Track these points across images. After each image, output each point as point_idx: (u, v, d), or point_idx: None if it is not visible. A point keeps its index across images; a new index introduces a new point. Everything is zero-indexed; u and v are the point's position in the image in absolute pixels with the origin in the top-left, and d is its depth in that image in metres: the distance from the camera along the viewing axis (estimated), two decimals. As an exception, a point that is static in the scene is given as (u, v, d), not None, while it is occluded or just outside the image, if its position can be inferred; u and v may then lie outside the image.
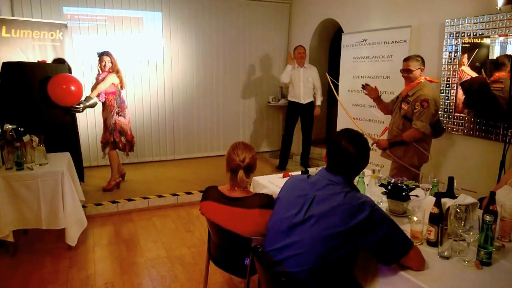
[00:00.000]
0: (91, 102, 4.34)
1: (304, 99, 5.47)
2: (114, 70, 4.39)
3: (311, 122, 5.63)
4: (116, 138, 4.45)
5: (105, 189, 4.55)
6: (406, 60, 3.16)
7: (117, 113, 4.45)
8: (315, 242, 1.54)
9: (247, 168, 2.00)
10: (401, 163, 3.14)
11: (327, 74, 4.10)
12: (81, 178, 4.40)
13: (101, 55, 4.37)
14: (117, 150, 4.55)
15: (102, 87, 4.32)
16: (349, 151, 1.61)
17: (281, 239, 1.65)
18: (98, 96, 4.36)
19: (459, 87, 3.69)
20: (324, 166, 1.76)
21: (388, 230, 1.53)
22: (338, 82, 5.11)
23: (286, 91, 6.12)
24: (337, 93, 3.87)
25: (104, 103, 4.42)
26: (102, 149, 4.52)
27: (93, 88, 4.41)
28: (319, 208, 1.57)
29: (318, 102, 5.54)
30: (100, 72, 4.41)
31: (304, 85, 5.42)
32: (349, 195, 1.57)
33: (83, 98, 4.31)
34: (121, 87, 4.50)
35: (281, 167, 5.67)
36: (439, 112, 3.72)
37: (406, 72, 3.14)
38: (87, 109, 4.52)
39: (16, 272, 2.97)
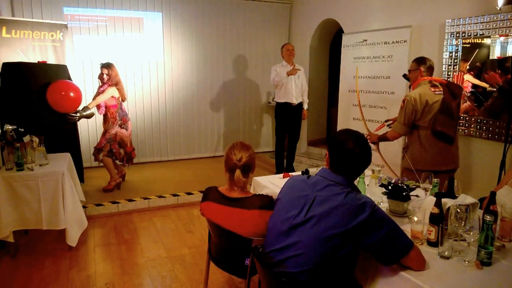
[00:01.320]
0: (88, 112, 4.34)
1: (296, 99, 5.17)
2: (113, 82, 4.37)
3: (300, 124, 5.39)
4: (114, 149, 4.45)
5: (106, 189, 4.56)
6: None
7: (120, 126, 4.45)
8: (315, 243, 1.54)
9: (244, 167, 2.00)
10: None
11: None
12: (81, 178, 4.40)
13: (101, 67, 4.38)
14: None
15: (100, 99, 4.32)
16: (355, 152, 1.63)
17: (281, 240, 1.65)
18: (98, 108, 4.38)
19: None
20: (324, 166, 1.76)
21: (388, 230, 1.53)
22: (338, 82, 5.12)
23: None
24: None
25: (105, 116, 4.44)
26: (95, 154, 4.47)
27: (94, 99, 4.41)
28: (319, 209, 1.57)
29: (306, 106, 5.32)
30: (100, 83, 4.43)
31: (296, 84, 5.15)
32: (350, 195, 1.57)
33: (80, 107, 4.30)
34: (122, 100, 4.49)
35: (279, 173, 5.59)
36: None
37: (408, 73, 3.21)
38: (88, 109, 4.51)
39: (16, 273, 2.97)
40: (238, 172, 1.99)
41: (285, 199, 1.75)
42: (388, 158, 3.73)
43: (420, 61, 3.09)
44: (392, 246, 1.53)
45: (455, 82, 3.61)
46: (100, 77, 4.39)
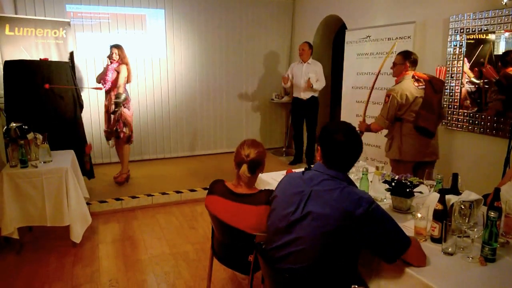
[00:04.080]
0: (122, 97, 4.47)
1: (305, 94, 5.51)
2: (124, 62, 4.51)
3: (313, 117, 5.63)
4: (119, 128, 4.55)
5: (118, 181, 4.69)
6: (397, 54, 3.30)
7: (122, 105, 4.54)
8: (314, 238, 1.53)
9: (252, 163, 2.01)
10: None
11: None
12: (91, 174, 4.42)
13: (112, 47, 4.50)
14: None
15: (122, 80, 4.46)
16: (344, 144, 1.61)
17: (281, 237, 1.65)
18: (104, 83, 4.47)
19: (467, 84, 3.67)
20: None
21: (386, 227, 1.52)
22: (341, 79, 5.11)
23: (289, 88, 6.12)
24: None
25: (109, 92, 4.52)
26: (107, 139, 4.65)
27: (100, 76, 4.52)
28: (316, 204, 1.56)
29: (314, 84, 5.38)
30: (109, 62, 4.50)
31: (304, 81, 5.43)
32: (346, 190, 1.55)
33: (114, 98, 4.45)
34: (128, 81, 4.62)
35: (294, 163, 5.87)
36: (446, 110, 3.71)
37: (392, 66, 3.31)
38: (91, 106, 4.61)
39: (21, 269, 2.99)
40: (244, 167, 2.00)
41: (282, 197, 1.74)
42: (380, 150, 3.77)
43: (406, 55, 3.20)
44: (389, 243, 1.52)
45: (437, 76, 3.65)
46: (110, 56, 4.49)
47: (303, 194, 1.62)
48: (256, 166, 2.04)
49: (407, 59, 3.17)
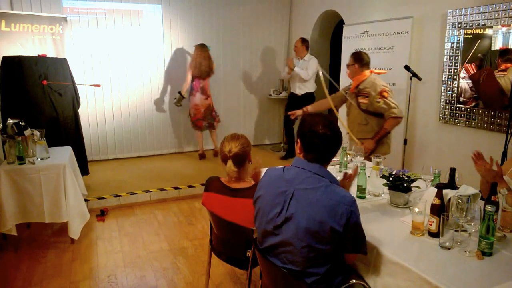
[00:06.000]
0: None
1: (300, 90, 5.55)
2: None
3: None
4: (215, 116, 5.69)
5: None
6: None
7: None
8: (301, 239, 1.54)
9: (235, 158, 2.01)
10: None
11: (318, 66, 4.11)
12: (85, 171, 4.41)
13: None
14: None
15: None
16: (328, 135, 1.59)
17: (270, 239, 1.65)
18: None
19: (463, 79, 3.68)
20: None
21: (359, 226, 1.57)
22: (340, 74, 5.11)
23: (287, 84, 6.12)
24: (328, 88, 3.77)
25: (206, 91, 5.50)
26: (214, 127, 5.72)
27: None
28: (299, 205, 1.56)
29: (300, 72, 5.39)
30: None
31: (299, 77, 5.44)
32: (329, 189, 1.55)
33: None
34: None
35: (286, 157, 5.88)
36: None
37: (346, 67, 3.46)
38: (89, 103, 4.60)
39: (19, 265, 2.99)
40: (229, 163, 2.01)
41: (266, 198, 1.70)
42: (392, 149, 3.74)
43: (357, 58, 3.36)
44: (360, 239, 1.59)
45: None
46: None
47: (286, 194, 1.61)
48: (242, 159, 2.04)
49: (357, 62, 3.32)
